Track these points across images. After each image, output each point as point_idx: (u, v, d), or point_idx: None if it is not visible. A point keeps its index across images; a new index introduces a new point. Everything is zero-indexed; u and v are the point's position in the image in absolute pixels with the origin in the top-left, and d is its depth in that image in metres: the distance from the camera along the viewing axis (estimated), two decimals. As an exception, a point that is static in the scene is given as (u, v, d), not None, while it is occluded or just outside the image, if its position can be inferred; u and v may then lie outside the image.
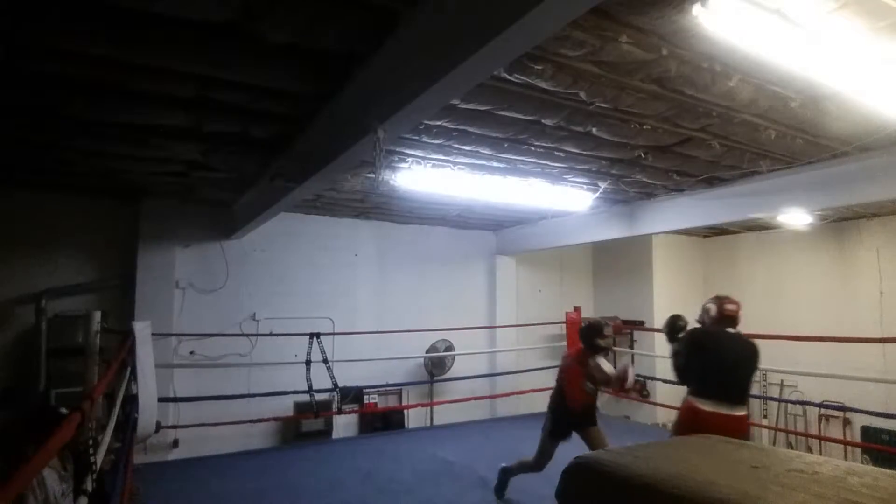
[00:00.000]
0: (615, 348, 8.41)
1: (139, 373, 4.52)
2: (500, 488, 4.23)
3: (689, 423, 3.34)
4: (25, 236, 5.55)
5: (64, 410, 2.72)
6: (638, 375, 8.05)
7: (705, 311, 3.67)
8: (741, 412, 3.41)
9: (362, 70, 2.76)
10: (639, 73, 2.92)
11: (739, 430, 3.29)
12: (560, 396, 3.96)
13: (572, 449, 3.58)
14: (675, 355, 3.68)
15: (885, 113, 3.26)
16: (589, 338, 3.91)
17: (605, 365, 3.77)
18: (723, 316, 3.56)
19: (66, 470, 2.57)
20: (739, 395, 3.43)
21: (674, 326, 3.89)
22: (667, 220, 6.13)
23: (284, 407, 6.34)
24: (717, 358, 3.43)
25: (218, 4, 2.26)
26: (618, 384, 3.89)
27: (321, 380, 5.89)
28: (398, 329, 6.99)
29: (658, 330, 7.71)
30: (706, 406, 3.33)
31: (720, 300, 3.63)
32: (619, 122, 3.70)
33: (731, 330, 3.55)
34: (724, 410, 3.31)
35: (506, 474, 4.22)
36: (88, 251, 5.83)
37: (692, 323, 3.89)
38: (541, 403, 4.79)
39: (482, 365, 7.93)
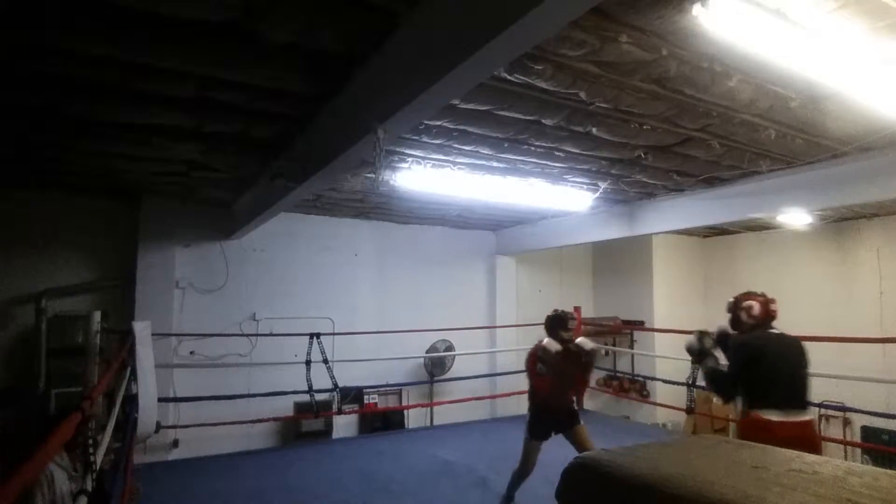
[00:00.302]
0: (615, 348, 8.44)
1: (139, 373, 4.52)
2: (507, 501, 4.19)
3: (758, 438, 2.92)
4: (25, 236, 5.56)
5: None
6: (637, 375, 8.07)
7: (745, 309, 3.35)
8: (808, 416, 3.19)
9: (362, 70, 2.76)
10: (639, 73, 2.92)
11: (812, 436, 3.09)
12: (531, 389, 4.01)
13: (572, 449, 3.59)
14: (713, 376, 3.39)
15: (885, 113, 3.26)
16: (553, 328, 3.94)
17: (551, 344, 3.80)
18: (768, 315, 3.32)
19: (76, 471, 2.56)
20: (802, 397, 3.21)
21: (702, 349, 3.52)
22: (667, 220, 6.13)
23: (284, 407, 6.34)
24: (775, 363, 3.17)
25: (218, 4, 2.26)
26: (582, 367, 3.89)
27: (321, 380, 5.88)
28: (398, 329, 6.99)
29: (658, 330, 7.78)
30: (775, 416, 3.06)
31: (763, 298, 3.34)
32: (619, 122, 3.70)
33: (774, 330, 3.33)
34: (793, 418, 3.06)
35: (509, 490, 4.17)
36: (88, 251, 5.83)
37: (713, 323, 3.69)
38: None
39: (482, 365, 7.93)
